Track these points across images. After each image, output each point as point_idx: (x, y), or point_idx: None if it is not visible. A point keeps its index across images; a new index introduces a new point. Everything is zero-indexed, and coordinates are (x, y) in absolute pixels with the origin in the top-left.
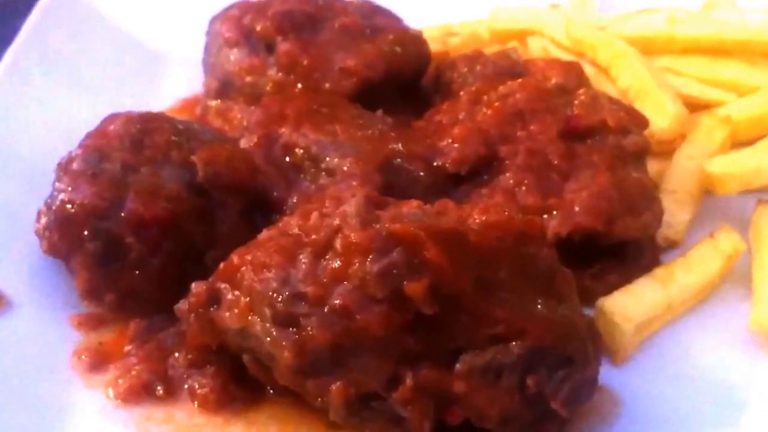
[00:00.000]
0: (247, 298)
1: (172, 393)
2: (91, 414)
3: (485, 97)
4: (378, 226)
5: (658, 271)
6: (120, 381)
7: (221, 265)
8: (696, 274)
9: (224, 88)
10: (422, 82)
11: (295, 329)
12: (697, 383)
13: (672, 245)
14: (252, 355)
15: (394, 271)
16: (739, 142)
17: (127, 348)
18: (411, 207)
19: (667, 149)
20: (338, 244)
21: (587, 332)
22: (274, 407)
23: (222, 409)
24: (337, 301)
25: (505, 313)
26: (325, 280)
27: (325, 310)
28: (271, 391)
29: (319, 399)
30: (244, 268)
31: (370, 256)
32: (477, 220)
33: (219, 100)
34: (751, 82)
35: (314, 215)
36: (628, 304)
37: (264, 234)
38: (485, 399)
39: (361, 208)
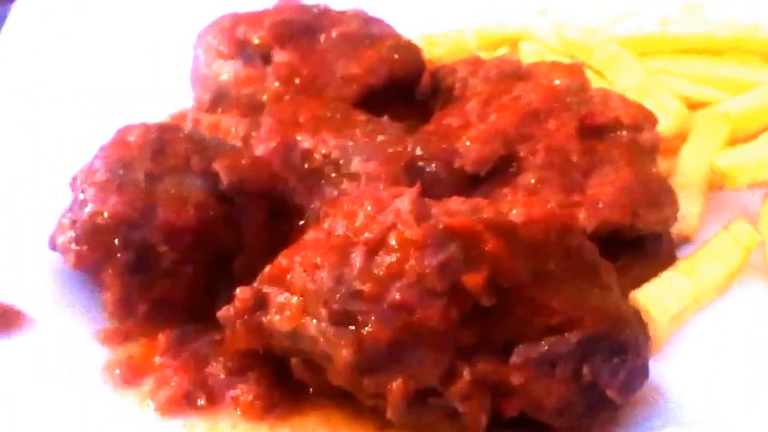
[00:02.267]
0: (300, 299)
1: (213, 402)
2: (131, 428)
3: (497, 100)
4: (433, 221)
5: (682, 264)
6: (159, 392)
7: (266, 268)
8: (718, 266)
9: (217, 100)
10: (416, 90)
11: (353, 327)
12: (730, 371)
13: (685, 240)
14: (303, 357)
15: (453, 264)
16: (736, 138)
17: (159, 359)
18: (457, 203)
19: (667, 148)
20: (393, 240)
21: (636, 320)
22: (318, 411)
23: (267, 415)
24: (397, 296)
25: (560, 303)
26: (381, 276)
27: (384, 306)
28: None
29: (373, 398)
30: (294, 269)
31: (428, 251)
32: (521, 215)
33: (211, 113)
34: (743, 80)
35: (361, 215)
36: (660, 297)
37: (310, 236)
38: (542, 390)
39: (415, 204)
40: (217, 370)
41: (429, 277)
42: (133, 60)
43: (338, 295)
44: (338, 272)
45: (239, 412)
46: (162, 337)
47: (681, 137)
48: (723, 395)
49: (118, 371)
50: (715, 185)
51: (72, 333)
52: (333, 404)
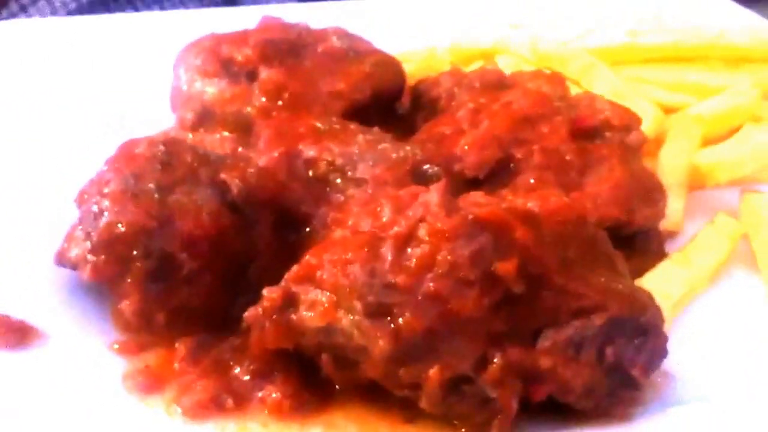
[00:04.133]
0: (332, 295)
1: (241, 404)
2: None
3: (487, 107)
4: (463, 212)
5: (676, 256)
6: (185, 398)
7: (294, 268)
8: (709, 257)
9: (201, 119)
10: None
11: (389, 318)
12: (727, 352)
13: (671, 235)
14: (334, 352)
15: (484, 253)
16: (708, 139)
17: (179, 367)
18: (477, 196)
19: (645, 150)
20: (424, 233)
21: (652, 303)
22: (346, 407)
23: (296, 414)
24: (431, 286)
25: (585, 289)
26: (414, 268)
27: (419, 297)
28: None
29: (407, 389)
30: (324, 266)
31: (459, 241)
32: (538, 207)
33: (194, 132)
34: (710, 84)
35: (387, 211)
36: (661, 285)
37: (337, 234)
38: (570, 373)
39: (444, 197)
40: (241, 373)
41: (461, 267)
42: (112, 81)
43: (372, 288)
44: (370, 266)
45: (268, 413)
46: (181, 345)
47: (657, 141)
48: (723, 375)
49: (140, 379)
50: (693, 185)
51: (85, 346)
52: (360, 400)
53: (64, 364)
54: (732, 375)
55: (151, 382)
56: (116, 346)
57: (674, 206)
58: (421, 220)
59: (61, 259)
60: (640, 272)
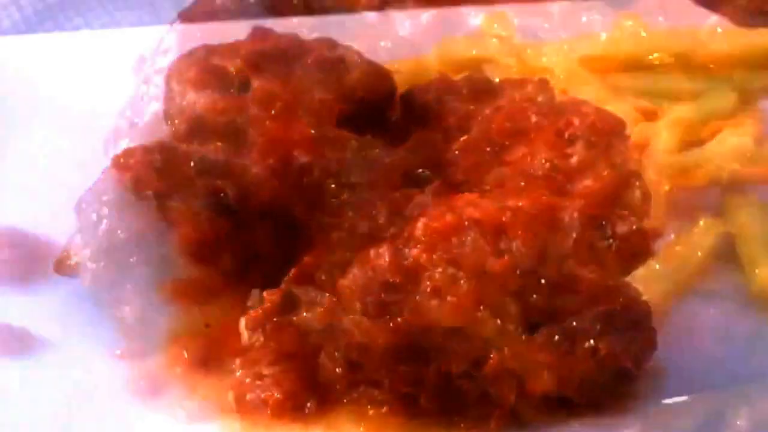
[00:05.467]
0: (332, 295)
1: (244, 405)
2: None
3: (477, 113)
4: (457, 211)
5: (661, 254)
6: (187, 401)
7: (293, 270)
8: (695, 253)
9: (194, 130)
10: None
11: (388, 317)
12: (713, 348)
13: (654, 235)
14: (335, 352)
15: (479, 251)
16: (690, 143)
17: (181, 371)
18: (471, 197)
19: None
20: (419, 233)
21: (640, 297)
22: (348, 408)
23: (298, 414)
24: (428, 285)
25: (579, 283)
26: (411, 267)
27: (417, 296)
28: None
29: (409, 386)
30: (322, 268)
31: (454, 240)
32: (527, 205)
33: (187, 144)
34: (690, 90)
35: (382, 213)
36: (649, 282)
37: (334, 236)
38: (566, 367)
39: (437, 197)
40: (243, 375)
41: (459, 264)
42: (102, 93)
43: (371, 288)
44: (369, 266)
45: (270, 414)
46: (185, 351)
47: (639, 146)
48: (712, 369)
49: (143, 383)
50: (676, 187)
51: (86, 353)
52: (360, 401)
53: (65, 371)
54: (720, 369)
55: (154, 386)
56: (118, 352)
57: (657, 208)
58: (416, 220)
59: (61, 267)
60: (626, 270)
